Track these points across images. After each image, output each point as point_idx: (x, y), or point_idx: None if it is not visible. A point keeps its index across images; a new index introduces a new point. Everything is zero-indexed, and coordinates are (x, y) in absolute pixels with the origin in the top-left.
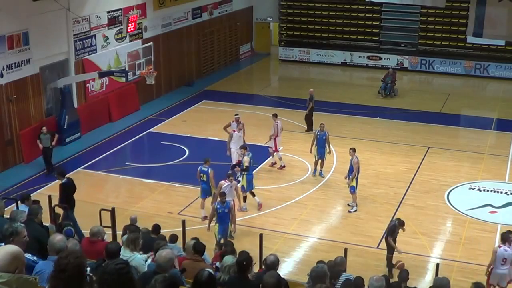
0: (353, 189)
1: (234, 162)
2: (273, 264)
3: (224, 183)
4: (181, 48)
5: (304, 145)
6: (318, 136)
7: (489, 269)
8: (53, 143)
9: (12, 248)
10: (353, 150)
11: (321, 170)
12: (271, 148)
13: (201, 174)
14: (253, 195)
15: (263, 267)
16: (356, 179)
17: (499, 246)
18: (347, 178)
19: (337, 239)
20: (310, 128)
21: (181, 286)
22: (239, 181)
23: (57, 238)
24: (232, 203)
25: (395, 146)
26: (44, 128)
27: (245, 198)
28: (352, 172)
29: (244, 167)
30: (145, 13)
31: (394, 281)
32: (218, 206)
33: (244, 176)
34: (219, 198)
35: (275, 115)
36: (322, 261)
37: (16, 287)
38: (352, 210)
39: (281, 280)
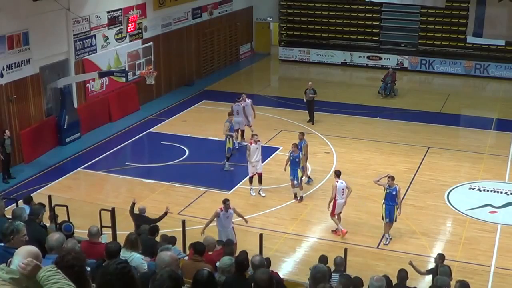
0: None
1: (250, 174)
2: (261, 264)
3: (220, 212)
4: (181, 48)
5: None
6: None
7: (332, 203)
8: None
9: (33, 248)
10: (392, 178)
11: (306, 177)
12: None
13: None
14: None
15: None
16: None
17: (336, 181)
18: (394, 207)
19: (337, 239)
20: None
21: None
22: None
23: (55, 237)
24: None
25: (395, 146)
26: (7, 131)
27: (228, 158)
28: (396, 199)
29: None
30: (145, 13)
31: (396, 283)
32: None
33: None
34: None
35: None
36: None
37: (26, 286)
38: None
39: (272, 277)
